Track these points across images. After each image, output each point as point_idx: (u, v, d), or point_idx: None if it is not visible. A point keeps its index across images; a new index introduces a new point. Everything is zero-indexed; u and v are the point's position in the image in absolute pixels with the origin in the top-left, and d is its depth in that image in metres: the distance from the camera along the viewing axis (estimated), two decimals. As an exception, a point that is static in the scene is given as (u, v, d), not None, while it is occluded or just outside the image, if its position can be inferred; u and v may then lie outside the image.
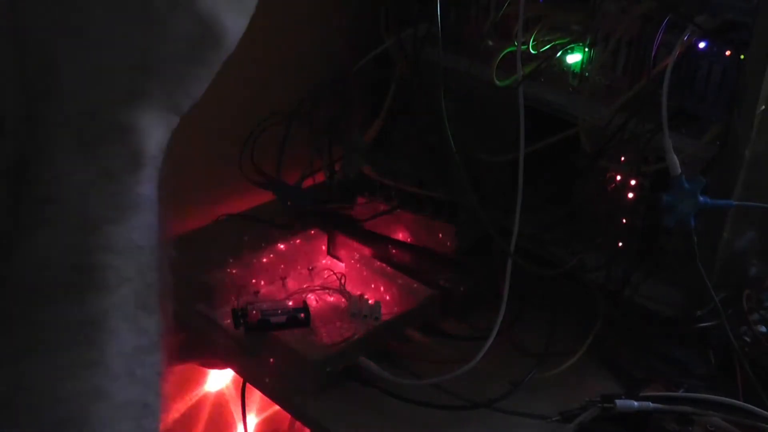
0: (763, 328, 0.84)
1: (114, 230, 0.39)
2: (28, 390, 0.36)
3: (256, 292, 0.91)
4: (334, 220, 1.02)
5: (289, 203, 1.05)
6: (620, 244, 0.89)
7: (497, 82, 0.92)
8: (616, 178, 0.89)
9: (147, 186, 0.40)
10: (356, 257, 0.96)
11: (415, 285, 0.91)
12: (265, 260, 0.93)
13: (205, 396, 1.10)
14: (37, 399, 0.36)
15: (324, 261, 0.98)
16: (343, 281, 0.92)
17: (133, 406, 0.39)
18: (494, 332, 0.81)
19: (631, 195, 0.87)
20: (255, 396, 1.05)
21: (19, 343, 0.37)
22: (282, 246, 0.96)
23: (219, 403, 1.11)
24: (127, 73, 0.39)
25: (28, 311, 0.37)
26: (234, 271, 0.91)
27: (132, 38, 0.39)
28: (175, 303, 0.44)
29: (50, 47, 0.39)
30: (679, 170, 0.78)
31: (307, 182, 1.07)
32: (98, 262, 0.38)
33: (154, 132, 0.40)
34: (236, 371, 0.90)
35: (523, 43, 0.88)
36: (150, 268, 0.40)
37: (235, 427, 1.11)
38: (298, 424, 0.94)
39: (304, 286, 0.92)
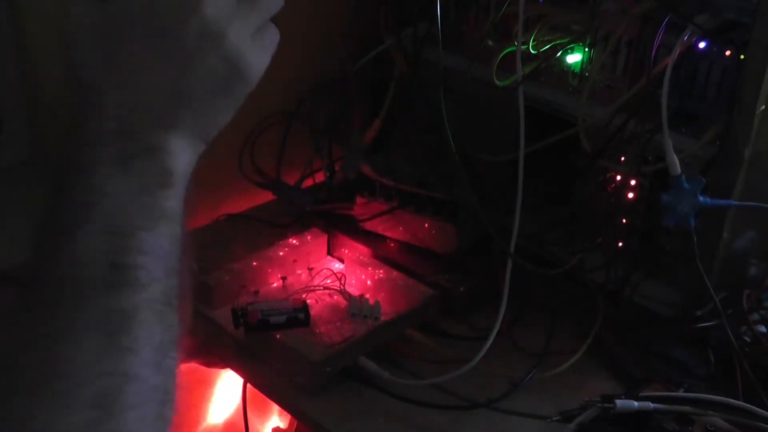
0: (763, 328, 0.84)
1: (147, 236, 0.43)
2: (72, 365, 0.40)
3: (256, 292, 0.91)
4: (334, 220, 1.02)
5: (289, 203, 1.05)
6: (620, 244, 0.89)
7: (497, 82, 0.92)
8: (616, 178, 0.89)
9: (174, 201, 0.45)
10: (356, 257, 0.96)
11: (415, 285, 0.91)
12: (265, 260, 0.93)
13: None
14: (79, 374, 0.40)
15: (324, 261, 0.98)
16: (343, 281, 0.92)
17: (158, 391, 0.43)
18: (494, 332, 0.81)
19: (631, 195, 0.88)
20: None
21: (63, 326, 0.41)
22: (282, 246, 0.96)
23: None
24: (162, 102, 0.44)
25: (72, 300, 0.41)
26: (234, 271, 0.91)
27: (166, 72, 0.44)
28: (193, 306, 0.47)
29: (95, 76, 0.44)
30: (679, 170, 0.78)
31: (307, 182, 1.07)
32: (133, 263, 0.42)
33: (183, 155, 0.45)
34: (236, 371, 0.90)
35: (523, 43, 0.88)
36: (175, 271, 0.45)
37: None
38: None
39: (304, 286, 0.92)
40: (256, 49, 0.47)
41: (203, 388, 1.09)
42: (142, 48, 0.44)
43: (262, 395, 0.87)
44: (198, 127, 0.46)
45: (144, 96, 0.44)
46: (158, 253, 0.44)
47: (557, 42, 0.90)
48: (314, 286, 0.92)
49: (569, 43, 0.90)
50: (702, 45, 0.80)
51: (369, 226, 1.00)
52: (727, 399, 0.78)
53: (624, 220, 0.89)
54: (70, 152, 0.44)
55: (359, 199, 1.01)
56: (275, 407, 1.08)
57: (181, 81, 0.45)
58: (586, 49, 0.89)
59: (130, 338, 0.42)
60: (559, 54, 0.91)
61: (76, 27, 0.45)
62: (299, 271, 0.95)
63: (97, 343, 0.41)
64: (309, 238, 0.98)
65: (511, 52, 0.91)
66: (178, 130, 0.45)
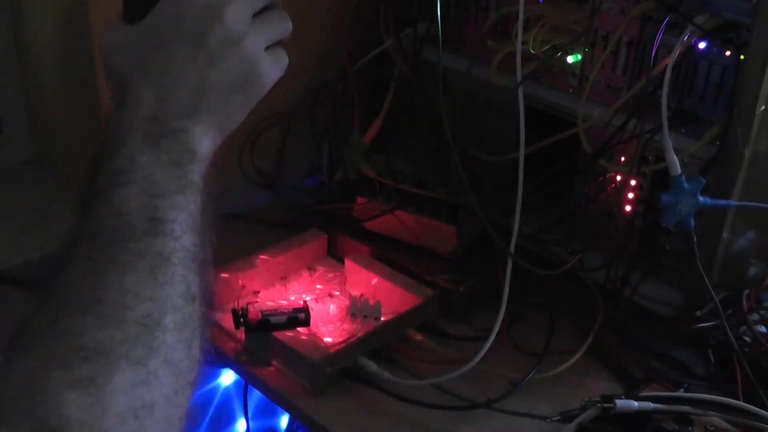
0: (762, 328, 0.84)
1: (178, 198, 0.49)
2: (118, 292, 0.46)
3: (256, 293, 0.91)
4: (334, 220, 1.02)
5: (289, 203, 1.05)
6: (620, 244, 0.89)
7: (497, 83, 0.92)
8: (616, 178, 0.89)
9: (198, 176, 0.51)
10: (356, 257, 0.96)
11: (415, 285, 0.91)
12: (265, 260, 0.93)
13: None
14: (124, 298, 0.45)
15: (324, 261, 0.98)
16: (343, 281, 0.92)
17: (190, 324, 0.49)
18: (494, 332, 0.81)
19: (631, 195, 0.88)
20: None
21: (108, 261, 0.46)
22: (282, 246, 0.96)
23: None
24: (187, 96, 0.52)
25: (113, 243, 0.47)
26: (234, 272, 0.91)
27: (192, 71, 0.52)
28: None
29: (132, 76, 0.52)
30: (679, 170, 0.78)
31: (307, 182, 1.07)
32: (167, 217, 0.49)
33: (204, 140, 0.52)
34: (236, 372, 0.90)
35: (523, 43, 0.88)
36: (200, 233, 0.51)
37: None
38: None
39: (304, 286, 0.92)
40: (268, 60, 0.55)
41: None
42: (172, 52, 0.52)
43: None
44: (216, 118, 0.53)
45: (172, 90, 0.52)
46: (188, 211, 0.50)
47: (557, 42, 0.90)
48: (314, 286, 0.92)
49: (569, 43, 0.90)
50: (702, 45, 0.80)
51: (369, 226, 1.00)
52: (726, 399, 0.78)
53: (624, 220, 0.89)
54: (107, 135, 0.51)
55: (359, 199, 1.01)
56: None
57: (204, 78, 0.52)
58: (586, 50, 0.89)
59: (167, 275, 0.47)
60: (559, 54, 0.91)
61: (111, 42, 0.54)
62: (299, 271, 0.95)
63: (138, 276, 0.46)
64: (309, 238, 0.98)
65: (511, 52, 0.91)
66: (200, 119, 0.52)
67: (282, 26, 0.57)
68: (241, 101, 0.55)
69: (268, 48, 0.56)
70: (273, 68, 0.56)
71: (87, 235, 0.48)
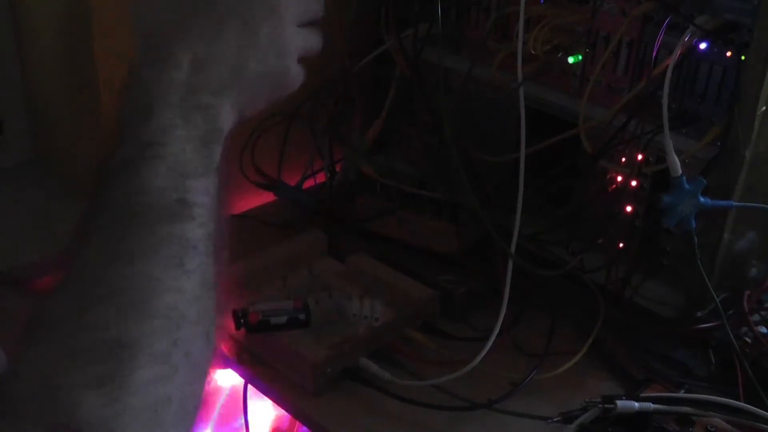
0: (763, 329, 0.84)
1: (204, 181, 0.49)
2: (141, 281, 0.44)
3: (257, 293, 0.90)
4: (335, 220, 1.02)
5: (289, 204, 1.05)
6: (620, 244, 0.89)
7: (498, 83, 0.92)
8: (616, 178, 0.89)
9: (219, 157, 0.51)
10: (357, 257, 0.96)
11: (415, 285, 0.91)
12: (265, 261, 0.93)
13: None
14: (147, 288, 0.44)
15: (324, 261, 0.98)
16: (343, 281, 0.92)
17: (210, 314, 0.48)
18: (495, 333, 0.80)
19: (631, 195, 0.87)
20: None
21: (132, 247, 0.45)
22: (282, 246, 0.96)
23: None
24: (225, 69, 0.52)
25: (139, 224, 0.46)
26: (234, 272, 0.90)
27: (237, 49, 0.53)
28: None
29: (173, 37, 0.51)
30: (680, 171, 0.78)
31: (308, 182, 1.07)
32: (195, 201, 0.48)
33: (228, 120, 0.52)
34: (237, 372, 0.90)
35: (524, 44, 0.88)
36: (218, 217, 0.50)
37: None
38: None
39: (305, 286, 0.92)
40: (298, 67, 0.58)
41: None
42: (221, 23, 0.52)
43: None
44: (242, 102, 0.53)
45: (211, 61, 0.51)
46: (211, 196, 0.49)
47: (558, 42, 0.90)
48: (314, 287, 0.92)
49: (570, 43, 0.89)
50: (703, 46, 0.80)
51: (370, 226, 1.00)
52: (727, 400, 0.78)
53: (625, 221, 0.89)
54: (135, 99, 0.49)
55: (360, 200, 1.01)
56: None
57: (245, 60, 0.53)
58: (587, 50, 0.89)
59: (192, 263, 0.46)
60: (559, 54, 0.91)
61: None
62: (299, 271, 0.95)
63: (163, 264, 0.45)
64: (309, 238, 0.98)
65: (511, 52, 0.91)
66: (228, 98, 0.52)
67: (316, 42, 0.61)
68: (267, 94, 0.56)
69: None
70: (298, 75, 0.58)
71: (111, 208, 0.46)
